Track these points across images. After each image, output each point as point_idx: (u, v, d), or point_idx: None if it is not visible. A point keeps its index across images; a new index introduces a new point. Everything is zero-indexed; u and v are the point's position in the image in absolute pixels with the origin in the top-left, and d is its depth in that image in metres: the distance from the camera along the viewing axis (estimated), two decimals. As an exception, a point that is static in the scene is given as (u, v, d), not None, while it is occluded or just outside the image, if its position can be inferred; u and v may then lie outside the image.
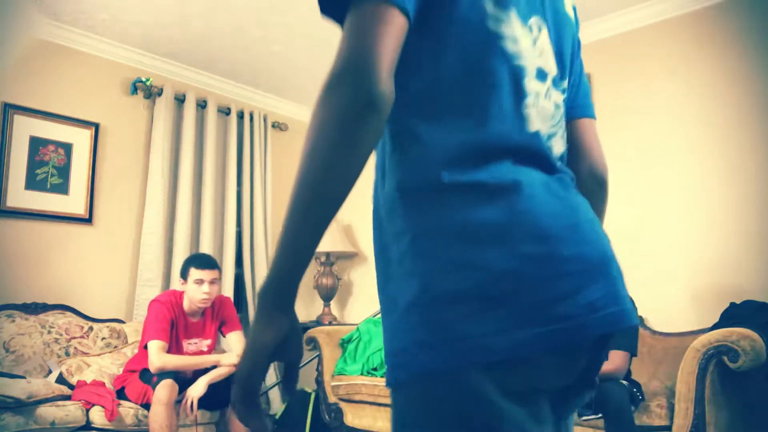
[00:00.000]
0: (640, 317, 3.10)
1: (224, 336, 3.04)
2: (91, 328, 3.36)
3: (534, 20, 0.78)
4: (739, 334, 2.27)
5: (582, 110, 0.95)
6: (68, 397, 2.72)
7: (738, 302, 2.79)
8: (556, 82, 0.81)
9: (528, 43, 0.76)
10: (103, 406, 2.66)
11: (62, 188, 3.55)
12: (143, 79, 3.93)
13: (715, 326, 2.59)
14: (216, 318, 2.99)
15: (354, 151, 0.65)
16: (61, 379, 2.91)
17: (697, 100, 3.23)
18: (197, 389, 2.69)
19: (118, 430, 2.68)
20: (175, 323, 2.84)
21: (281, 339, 0.68)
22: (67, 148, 3.59)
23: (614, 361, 2.45)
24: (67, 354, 3.16)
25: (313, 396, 3.70)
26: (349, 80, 0.65)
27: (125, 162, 3.88)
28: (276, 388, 4.20)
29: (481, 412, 0.66)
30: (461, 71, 0.73)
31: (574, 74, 0.92)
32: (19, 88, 3.44)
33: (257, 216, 4.37)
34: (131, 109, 3.94)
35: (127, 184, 3.87)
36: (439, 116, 0.73)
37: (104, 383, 2.90)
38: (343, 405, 3.38)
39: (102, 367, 3.04)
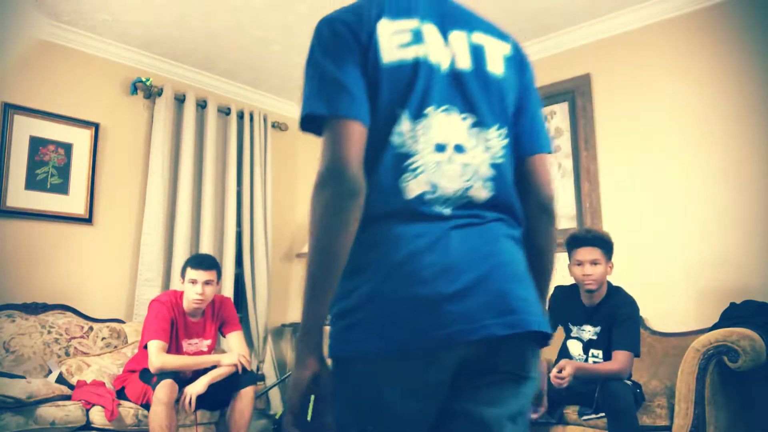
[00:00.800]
0: (641, 317, 3.10)
1: (224, 336, 3.04)
2: (91, 328, 3.36)
3: (432, 109, 1.03)
4: (739, 334, 2.27)
5: (531, 148, 1.15)
6: (68, 397, 2.72)
7: (738, 302, 2.79)
8: (463, 149, 1.03)
9: (417, 133, 1.01)
10: (103, 406, 2.66)
11: (62, 188, 3.55)
12: (143, 79, 3.93)
13: (715, 326, 2.60)
14: (216, 318, 2.98)
15: (345, 229, 0.94)
16: (61, 379, 2.91)
17: (698, 100, 3.23)
18: (197, 387, 2.69)
19: (118, 430, 2.68)
20: (175, 323, 2.84)
21: (314, 375, 0.95)
22: (67, 148, 3.59)
23: (618, 360, 2.46)
24: (67, 354, 3.16)
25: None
26: (331, 181, 0.94)
27: (125, 162, 3.88)
28: (276, 387, 4.20)
29: (358, 387, 0.97)
30: (366, 161, 0.99)
31: (523, 118, 1.14)
32: (19, 88, 3.44)
33: (257, 216, 4.37)
34: (131, 109, 3.94)
35: (127, 184, 3.87)
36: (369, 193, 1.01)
37: (104, 383, 2.90)
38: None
39: (102, 367, 3.04)
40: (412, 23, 1.05)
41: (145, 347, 2.77)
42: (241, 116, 4.44)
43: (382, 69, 1.01)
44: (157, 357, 2.68)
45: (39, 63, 3.53)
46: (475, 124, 1.06)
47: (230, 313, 3.02)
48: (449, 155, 1.03)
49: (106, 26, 3.61)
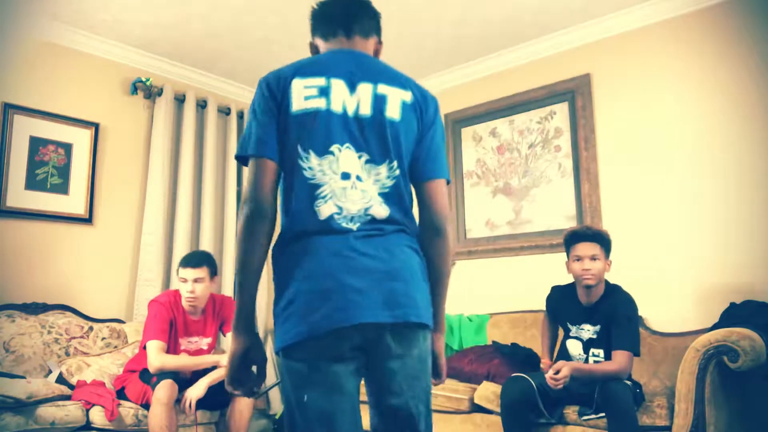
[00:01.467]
0: (640, 317, 3.10)
1: (225, 335, 3.05)
2: (91, 328, 3.36)
3: (336, 147, 1.31)
4: (739, 334, 2.27)
5: (425, 174, 1.41)
6: (68, 397, 2.72)
7: (738, 302, 2.79)
8: (360, 179, 1.32)
9: (324, 166, 1.31)
10: (103, 406, 2.66)
11: (62, 188, 3.55)
12: (143, 79, 3.93)
13: (715, 326, 2.59)
14: (217, 317, 2.98)
15: (256, 243, 1.28)
16: (61, 379, 2.91)
17: (698, 100, 3.23)
18: (196, 390, 2.69)
19: (118, 430, 2.68)
20: (174, 323, 2.83)
21: (245, 349, 1.30)
22: (67, 148, 3.59)
23: (617, 361, 2.45)
24: (67, 354, 3.16)
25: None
26: (246, 204, 1.28)
27: (125, 162, 3.88)
28: (276, 388, 4.20)
29: (290, 366, 1.28)
30: (284, 190, 1.34)
31: (419, 151, 1.41)
32: (19, 88, 3.43)
33: (257, 216, 4.37)
34: (131, 109, 3.94)
35: (127, 184, 3.87)
36: (283, 215, 1.34)
37: (104, 383, 2.90)
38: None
39: (102, 367, 3.04)
40: (320, 81, 1.35)
41: (145, 348, 2.77)
42: (241, 116, 4.44)
43: (291, 116, 1.32)
44: (156, 357, 2.68)
45: (39, 63, 3.53)
46: (367, 161, 1.34)
47: (231, 313, 3.02)
48: (353, 182, 1.32)
49: (106, 26, 3.61)
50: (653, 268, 3.25)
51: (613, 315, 2.54)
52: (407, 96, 1.40)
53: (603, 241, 2.62)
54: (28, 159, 3.42)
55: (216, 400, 2.80)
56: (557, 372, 2.47)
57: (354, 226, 1.29)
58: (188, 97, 4.09)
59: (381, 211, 1.33)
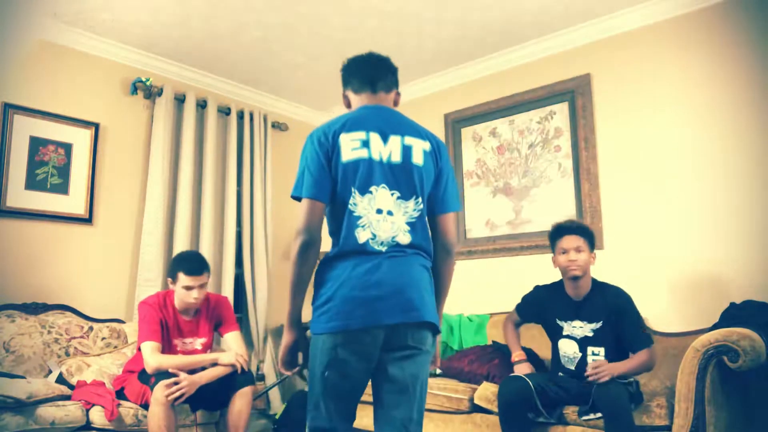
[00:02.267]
0: (641, 317, 3.11)
1: (222, 336, 3.03)
2: (91, 328, 3.36)
3: (374, 188, 1.69)
4: (739, 334, 2.27)
5: (441, 208, 1.80)
6: (68, 397, 2.72)
7: (738, 302, 2.79)
8: (392, 213, 1.70)
9: (364, 203, 1.68)
10: (103, 406, 2.66)
11: (62, 188, 3.55)
12: (143, 79, 3.93)
13: (715, 326, 2.59)
14: (211, 316, 2.96)
15: (306, 262, 1.68)
16: (61, 379, 2.91)
17: (697, 100, 3.23)
18: (197, 376, 2.67)
19: (118, 430, 2.68)
20: (165, 323, 2.82)
21: (294, 340, 1.76)
22: (67, 148, 3.59)
23: (646, 355, 2.54)
24: (67, 354, 3.16)
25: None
26: (301, 234, 1.66)
27: (125, 162, 3.88)
28: (276, 388, 4.20)
29: (326, 350, 1.64)
30: (333, 220, 1.72)
31: (436, 190, 1.79)
32: (19, 88, 3.44)
33: (257, 216, 4.37)
34: (131, 109, 3.94)
35: (127, 184, 3.87)
36: (331, 237, 1.73)
37: (104, 383, 2.89)
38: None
39: (102, 367, 3.04)
40: (361, 135, 1.72)
41: (140, 349, 2.76)
42: (241, 116, 4.44)
43: (341, 164, 1.69)
44: (152, 358, 2.67)
45: (39, 63, 3.53)
46: (399, 198, 1.72)
47: (227, 312, 3.00)
48: (384, 216, 1.69)
49: (107, 26, 3.61)
50: (653, 267, 3.25)
51: (618, 315, 2.57)
52: (427, 146, 1.79)
53: (586, 233, 2.69)
54: (28, 159, 3.42)
55: (215, 399, 2.79)
56: (595, 372, 2.51)
57: (383, 249, 1.67)
58: (188, 97, 4.10)
59: (404, 238, 1.70)
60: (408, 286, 1.65)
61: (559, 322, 2.71)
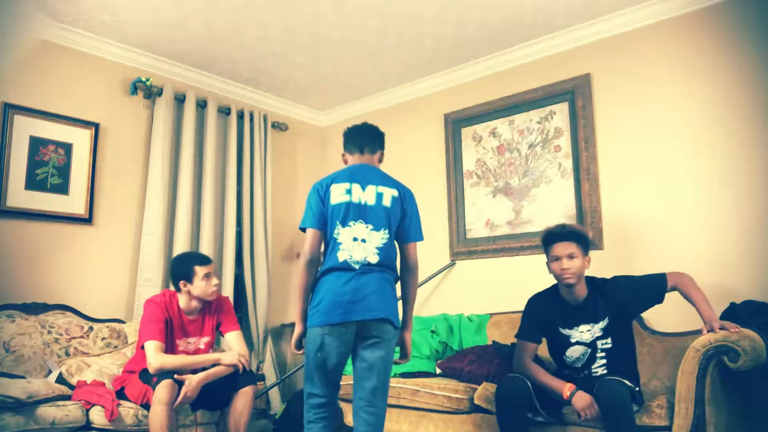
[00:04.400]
0: (641, 317, 3.11)
1: (223, 335, 3.03)
2: (91, 328, 3.35)
3: (352, 222, 2.32)
4: (739, 334, 2.27)
5: (406, 239, 2.42)
6: (68, 397, 2.71)
7: (738, 302, 2.79)
8: (365, 240, 2.31)
9: (346, 233, 2.31)
10: (103, 406, 2.66)
11: (62, 188, 3.55)
12: (143, 79, 3.93)
13: (715, 326, 2.59)
14: (213, 315, 2.97)
15: (309, 276, 2.36)
16: (61, 379, 2.91)
17: (698, 100, 3.23)
18: (198, 376, 2.67)
19: (118, 430, 2.68)
20: (170, 323, 2.82)
21: (303, 330, 2.40)
22: (67, 148, 3.59)
23: (687, 286, 2.59)
24: (67, 354, 3.15)
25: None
26: (306, 255, 2.35)
27: (125, 162, 3.88)
28: (276, 387, 4.20)
29: (316, 338, 2.27)
30: (324, 245, 2.38)
31: (402, 225, 2.41)
32: (19, 88, 3.44)
33: (257, 216, 4.37)
34: (131, 109, 3.94)
35: (127, 184, 3.87)
36: (322, 257, 2.37)
37: (104, 383, 2.89)
38: (342, 405, 3.38)
39: (102, 367, 3.03)
40: (346, 185, 2.35)
41: (142, 348, 2.76)
42: (241, 116, 4.44)
43: (330, 206, 2.34)
44: (155, 357, 2.67)
45: (39, 63, 3.53)
46: (372, 229, 2.32)
47: (228, 311, 3.01)
48: (359, 243, 2.30)
49: (106, 26, 3.61)
50: (653, 268, 3.24)
51: (625, 303, 2.59)
52: (395, 192, 2.40)
53: (579, 238, 2.61)
54: (28, 159, 3.42)
55: (216, 399, 2.79)
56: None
57: (357, 266, 2.28)
58: (188, 97, 4.10)
59: (373, 258, 2.30)
60: (373, 293, 2.25)
61: (563, 330, 2.65)
